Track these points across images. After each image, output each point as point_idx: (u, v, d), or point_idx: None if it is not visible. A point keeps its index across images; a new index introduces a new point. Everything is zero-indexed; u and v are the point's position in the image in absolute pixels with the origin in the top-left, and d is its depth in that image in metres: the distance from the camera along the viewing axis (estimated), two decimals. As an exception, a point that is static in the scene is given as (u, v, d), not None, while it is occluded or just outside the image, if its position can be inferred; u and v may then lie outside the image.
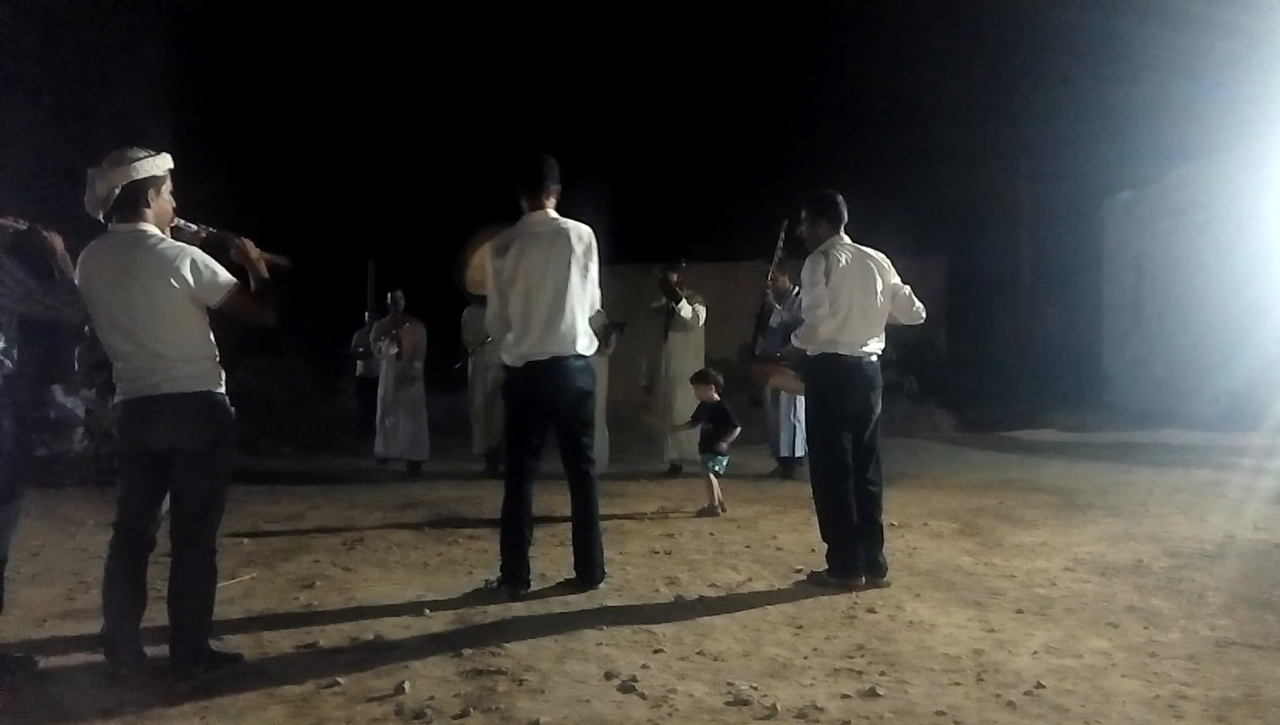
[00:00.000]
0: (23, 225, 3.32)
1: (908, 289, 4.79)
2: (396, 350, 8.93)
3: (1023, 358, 14.70)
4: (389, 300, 9.36)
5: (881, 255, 4.71)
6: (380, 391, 9.13)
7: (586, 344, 4.47)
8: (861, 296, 4.55)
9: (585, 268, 4.43)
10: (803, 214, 4.76)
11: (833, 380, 4.55)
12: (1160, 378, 13.34)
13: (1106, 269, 16.27)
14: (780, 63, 20.08)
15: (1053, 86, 16.82)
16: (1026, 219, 18.14)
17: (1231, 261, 12.01)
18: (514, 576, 4.37)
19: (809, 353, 4.63)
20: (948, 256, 16.50)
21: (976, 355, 14.59)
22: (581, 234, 4.43)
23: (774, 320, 7.37)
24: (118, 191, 3.21)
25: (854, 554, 4.44)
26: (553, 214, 4.44)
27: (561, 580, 4.53)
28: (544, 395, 4.41)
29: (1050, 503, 6.75)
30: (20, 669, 3.36)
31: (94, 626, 3.67)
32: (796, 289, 6.08)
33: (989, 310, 15.94)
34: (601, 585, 4.46)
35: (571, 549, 4.56)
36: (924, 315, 4.89)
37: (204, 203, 3.50)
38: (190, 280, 3.23)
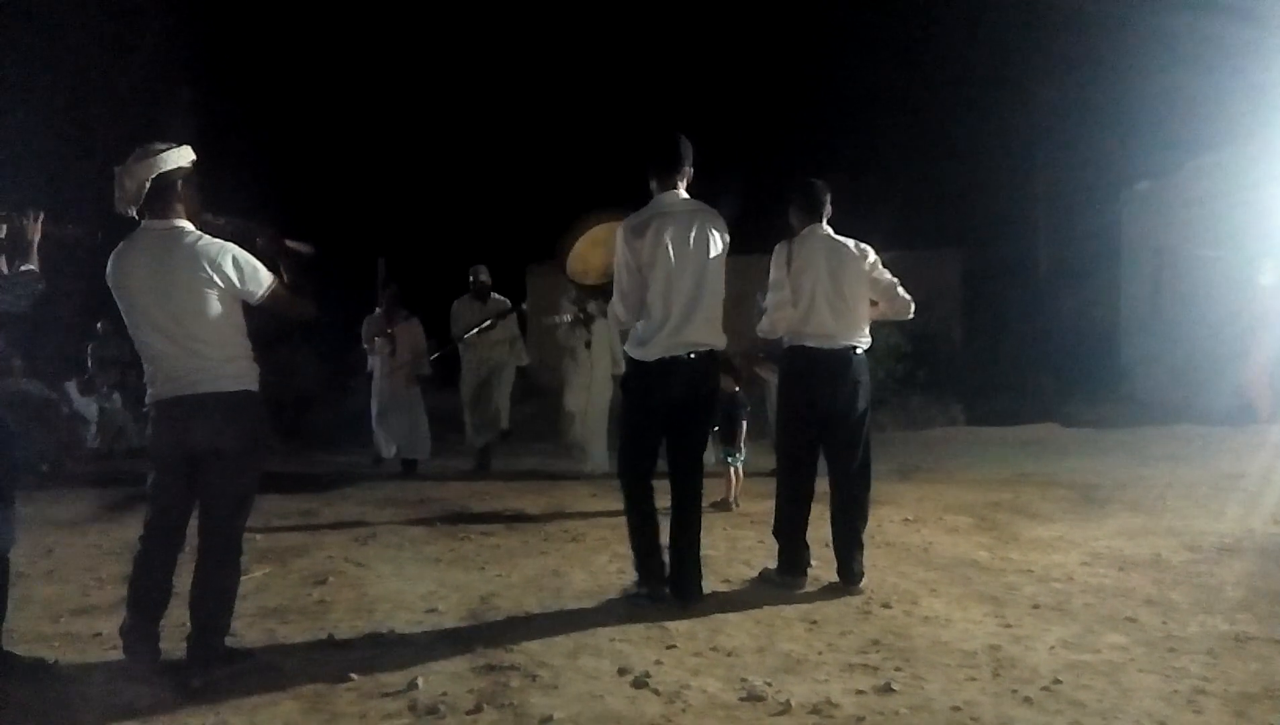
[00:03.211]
0: None
1: (890, 277, 4.47)
2: (392, 348, 8.74)
3: (1039, 350, 14.58)
4: (380, 296, 9.09)
5: (862, 246, 4.43)
6: (375, 389, 8.93)
7: (722, 338, 4.19)
8: (829, 287, 4.29)
9: (722, 254, 4.12)
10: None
11: (798, 373, 4.39)
12: (1178, 370, 13.20)
13: (1124, 260, 16.11)
14: (791, 54, 19.99)
15: (1070, 76, 16.65)
16: (1043, 210, 17.97)
17: (1250, 253, 11.88)
18: (653, 579, 4.12)
19: (784, 344, 4.48)
20: (963, 247, 16.40)
21: (992, 347, 14.49)
22: (719, 217, 4.15)
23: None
24: (148, 186, 3.19)
25: (800, 553, 4.37)
26: (685, 194, 4.13)
27: (586, 582, 4.52)
28: (675, 396, 4.06)
29: (1067, 497, 6.70)
30: (33, 671, 3.36)
31: (108, 623, 3.69)
32: None
33: (1005, 302, 15.82)
34: (613, 580, 4.44)
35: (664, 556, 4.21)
36: (912, 309, 4.56)
37: (212, 199, 3.47)
38: (234, 277, 3.21)
